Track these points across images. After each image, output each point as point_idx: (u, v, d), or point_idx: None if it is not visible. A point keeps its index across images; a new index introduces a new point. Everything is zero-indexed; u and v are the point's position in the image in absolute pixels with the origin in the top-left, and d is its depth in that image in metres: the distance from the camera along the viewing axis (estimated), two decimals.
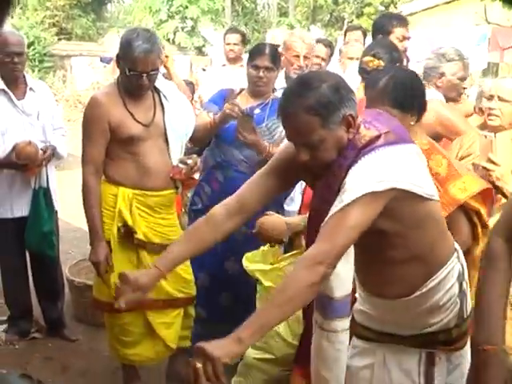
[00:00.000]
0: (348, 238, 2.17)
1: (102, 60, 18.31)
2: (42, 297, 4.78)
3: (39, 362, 4.43)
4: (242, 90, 4.20)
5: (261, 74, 3.98)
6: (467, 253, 2.78)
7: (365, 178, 2.18)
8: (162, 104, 3.75)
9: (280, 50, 4.51)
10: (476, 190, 2.89)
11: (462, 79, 4.27)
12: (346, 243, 2.18)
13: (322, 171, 2.35)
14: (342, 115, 2.23)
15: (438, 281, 2.41)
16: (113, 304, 3.65)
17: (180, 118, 3.79)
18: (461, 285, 2.49)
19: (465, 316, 2.51)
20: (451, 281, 2.46)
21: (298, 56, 4.71)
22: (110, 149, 3.67)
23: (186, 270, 3.86)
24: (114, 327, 3.89)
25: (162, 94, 3.77)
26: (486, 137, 3.58)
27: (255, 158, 3.93)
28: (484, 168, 3.34)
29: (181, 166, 3.68)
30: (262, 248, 3.58)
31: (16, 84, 4.36)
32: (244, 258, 3.63)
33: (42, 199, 4.42)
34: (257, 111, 4.05)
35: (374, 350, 2.53)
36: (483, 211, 2.90)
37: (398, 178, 2.20)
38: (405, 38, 4.64)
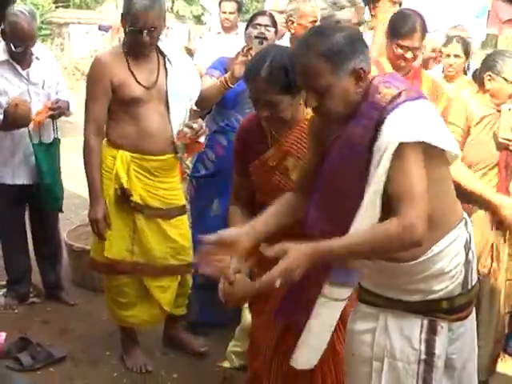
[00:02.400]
0: (423, 192, 2.19)
1: (100, 28, 18.23)
2: (40, 260, 4.83)
3: (38, 325, 4.48)
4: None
5: (262, 29, 4.05)
6: None
7: (401, 131, 2.19)
8: (165, 68, 3.75)
9: (284, 17, 4.63)
10: None
11: (359, 24, 4.30)
12: (425, 198, 2.20)
13: (332, 124, 2.41)
14: (353, 67, 2.27)
15: (444, 246, 2.39)
16: (109, 265, 3.78)
17: (184, 82, 3.79)
18: (467, 254, 2.49)
19: (469, 286, 2.50)
20: (457, 248, 2.45)
21: (315, 21, 4.69)
22: (112, 110, 3.69)
23: (183, 236, 3.89)
24: (111, 289, 3.93)
25: (166, 58, 3.77)
26: (509, 109, 3.60)
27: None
28: (506, 139, 3.41)
29: (186, 129, 3.69)
30: None
31: (22, 54, 4.35)
32: None
33: (56, 151, 4.52)
34: None
35: (377, 315, 2.51)
36: None
37: (427, 131, 2.22)
38: (395, 3, 4.61)
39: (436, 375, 2.46)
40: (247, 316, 3.86)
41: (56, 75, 4.60)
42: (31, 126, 4.33)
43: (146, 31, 3.51)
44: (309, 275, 2.33)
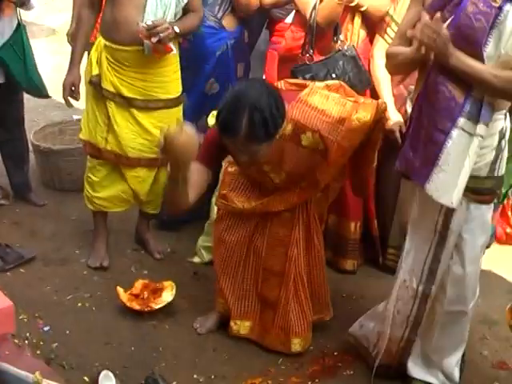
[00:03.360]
0: None
1: None
2: (6, 161, 4.76)
3: (7, 227, 4.44)
4: None
5: None
6: None
7: None
8: None
9: None
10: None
11: None
12: None
13: None
14: None
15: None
16: (89, 146, 3.85)
17: None
18: (500, 141, 2.64)
19: (495, 174, 2.66)
20: (493, 130, 2.59)
21: None
22: None
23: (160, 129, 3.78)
24: (87, 169, 3.96)
25: None
26: None
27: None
28: None
29: (141, 24, 3.51)
30: None
31: None
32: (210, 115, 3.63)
33: (24, 36, 4.37)
34: None
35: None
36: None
37: None
38: None
39: (447, 250, 2.73)
40: (216, 211, 3.85)
41: None
42: None
43: None
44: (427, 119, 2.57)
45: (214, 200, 3.86)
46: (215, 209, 3.83)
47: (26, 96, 4.64)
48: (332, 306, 3.45)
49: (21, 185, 4.79)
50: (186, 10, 3.65)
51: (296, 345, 3.27)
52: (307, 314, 3.28)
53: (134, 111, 3.74)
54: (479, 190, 2.66)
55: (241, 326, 3.35)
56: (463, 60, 2.44)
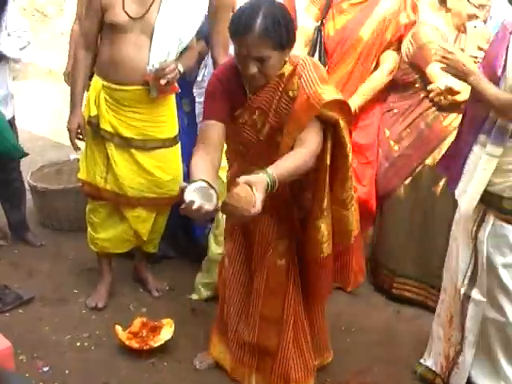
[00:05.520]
0: None
1: None
2: (4, 202, 4.78)
3: (5, 268, 4.45)
4: None
5: None
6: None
7: None
8: (160, 2, 3.58)
9: None
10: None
11: None
12: None
13: None
14: None
15: None
16: (89, 187, 3.84)
17: (177, 22, 3.62)
18: None
19: None
20: None
21: None
22: (94, 30, 3.65)
23: (162, 169, 3.83)
24: (88, 211, 3.97)
25: None
26: (475, 27, 3.55)
27: None
28: (473, 56, 3.39)
29: (149, 68, 3.56)
30: None
31: None
32: None
33: None
34: None
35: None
36: (342, 125, 2.75)
37: None
38: None
39: (482, 259, 2.89)
40: (213, 248, 3.87)
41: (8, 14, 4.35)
42: None
43: None
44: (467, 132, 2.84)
45: (211, 237, 3.88)
46: (213, 246, 3.86)
47: (23, 138, 4.67)
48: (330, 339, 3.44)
49: (18, 225, 4.80)
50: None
51: None
52: (308, 360, 3.19)
53: (133, 151, 3.75)
54: (503, 209, 2.81)
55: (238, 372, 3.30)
56: (479, 80, 2.70)
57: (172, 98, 3.81)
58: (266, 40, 2.56)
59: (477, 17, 3.61)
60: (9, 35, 4.37)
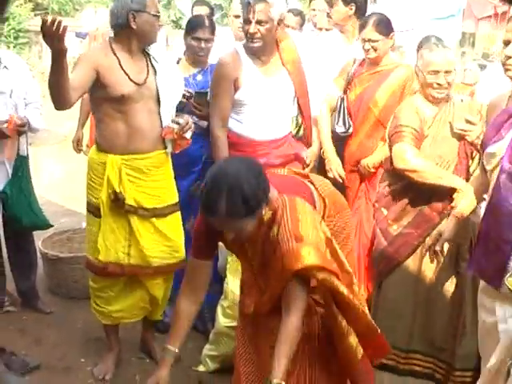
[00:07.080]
0: None
1: (77, 35, 18.11)
2: (15, 269, 4.79)
3: (13, 334, 4.44)
4: (179, 60, 4.51)
5: (202, 45, 4.35)
6: None
7: None
8: (153, 66, 3.73)
9: None
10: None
11: None
12: None
13: None
14: None
15: None
16: (102, 267, 3.80)
17: (170, 80, 3.78)
18: None
19: None
20: None
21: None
22: (102, 110, 3.66)
23: (177, 233, 3.89)
24: (97, 289, 3.95)
25: (152, 57, 3.75)
26: (462, 100, 3.57)
27: None
28: (461, 130, 3.47)
29: (171, 125, 3.67)
30: None
31: None
32: None
33: (25, 169, 4.46)
34: (199, 77, 4.43)
35: None
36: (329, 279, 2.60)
37: None
38: None
39: (504, 340, 2.83)
40: (221, 320, 3.87)
41: (26, 84, 4.45)
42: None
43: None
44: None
45: (219, 309, 3.89)
46: (220, 318, 3.86)
47: None
48: None
49: (28, 292, 4.82)
50: None
51: None
52: None
53: (154, 220, 3.79)
54: None
55: None
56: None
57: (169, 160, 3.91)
58: (234, 218, 2.51)
59: (438, 84, 3.57)
60: (26, 105, 4.45)
